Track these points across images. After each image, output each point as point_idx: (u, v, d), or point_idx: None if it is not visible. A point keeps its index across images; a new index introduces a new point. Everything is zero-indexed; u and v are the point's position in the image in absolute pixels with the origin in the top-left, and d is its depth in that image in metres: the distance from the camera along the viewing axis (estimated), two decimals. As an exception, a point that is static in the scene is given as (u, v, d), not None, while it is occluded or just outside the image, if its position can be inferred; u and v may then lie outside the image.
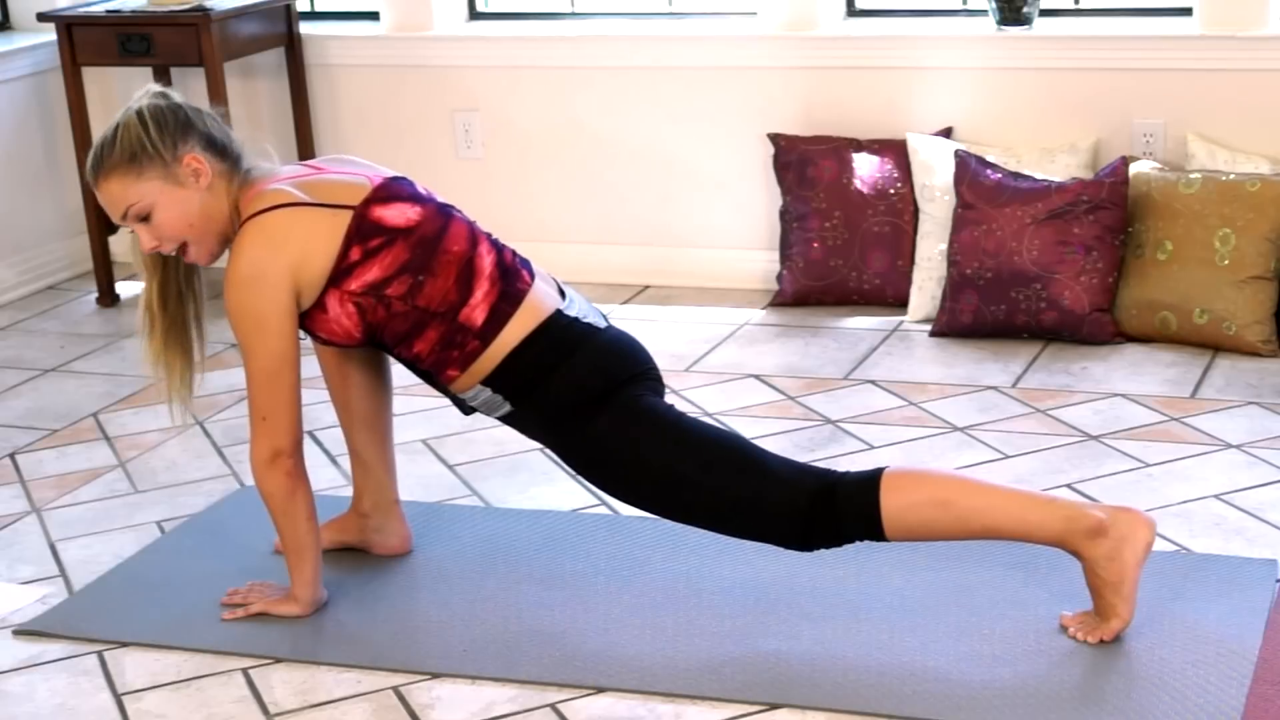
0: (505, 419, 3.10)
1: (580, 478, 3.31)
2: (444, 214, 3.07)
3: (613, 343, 3.07)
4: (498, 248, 3.08)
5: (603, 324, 3.10)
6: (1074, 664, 2.83)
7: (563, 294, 3.11)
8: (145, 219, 2.99)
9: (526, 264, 3.10)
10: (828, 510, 2.91)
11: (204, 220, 3.01)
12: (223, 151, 3.03)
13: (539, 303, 3.04)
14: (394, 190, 3.05)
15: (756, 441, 3.83)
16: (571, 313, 3.05)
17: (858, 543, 2.96)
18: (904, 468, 2.97)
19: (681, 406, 4.08)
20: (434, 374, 3.07)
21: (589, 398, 3.00)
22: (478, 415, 3.14)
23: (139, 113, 2.98)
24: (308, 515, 3.07)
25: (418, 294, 3.00)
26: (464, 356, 3.02)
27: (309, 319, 3.03)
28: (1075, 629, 2.91)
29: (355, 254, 2.98)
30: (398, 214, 3.02)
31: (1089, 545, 2.85)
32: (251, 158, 3.08)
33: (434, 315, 3.00)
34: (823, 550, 2.99)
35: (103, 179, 2.98)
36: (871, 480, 2.91)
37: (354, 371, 3.27)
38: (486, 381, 3.03)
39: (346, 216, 2.99)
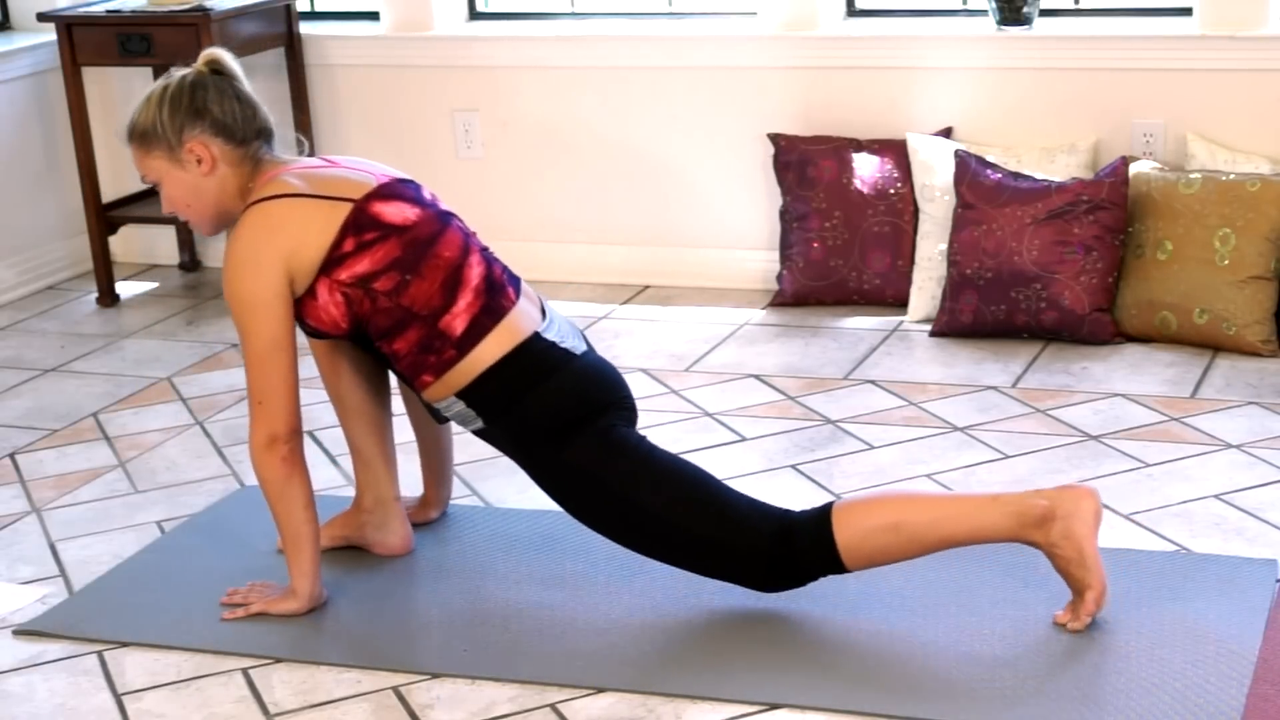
0: (478, 434, 3.14)
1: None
2: (442, 220, 3.11)
3: (588, 369, 3.11)
4: (488, 261, 3.12)
5: (580, 349, 3.12)
6: (1074, 664, 2.83)
7: (544, 314, 3.13)
8: (158, 186, 3.15)
9: (515, 281, 3.14)
10: (786, 551, 2.96)
11: (201, 201, 3.12)
12: (238, 139, 3.09)
13: (518, 323, 3.07)
14: (398, 190, 3.10)
15: (756, 443, 3.85)
16: (550, 336, 3.09)
17: (821, 579, 3.01)
18: (852, 499, 3.02)
19: (681, 406, 4.09)
20: (410, 378, 3.10)
21: (561, 424, 3.03)
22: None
23: (163, 90, 3.10)
24: (304, 504, 3.08)
25: (403, 292, 3.02)
26: (440, 364, 3.05)
27: (301, 305, 3.07)
28: (1066, 620, 2.93)
29: (349, 245, 3.02)
30: (396, 212, 3.06)
31: (1041, 533, 2.89)
32: (273, 145, 3.15)
33: (416, 316, 3.03)
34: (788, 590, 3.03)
35: (129, 144, 3.13)
36: (823, 516, 2.95)
37: (344, 364, 3.29)
38: (461, 395, 3.06)
39: (346, 209, 3.04)
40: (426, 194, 3.15)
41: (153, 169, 3.11)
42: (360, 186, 3.08)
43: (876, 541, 2.92)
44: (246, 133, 3.10)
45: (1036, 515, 2.89)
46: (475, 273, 3.07)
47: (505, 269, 3.14)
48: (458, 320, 3.04)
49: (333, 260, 3.02)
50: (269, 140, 3.14)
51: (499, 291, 3.08)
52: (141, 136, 3.10)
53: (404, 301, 3.03)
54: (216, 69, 3.12)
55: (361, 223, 3.03)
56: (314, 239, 3.02)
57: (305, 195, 3.04)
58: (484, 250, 3.14)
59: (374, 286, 3.02)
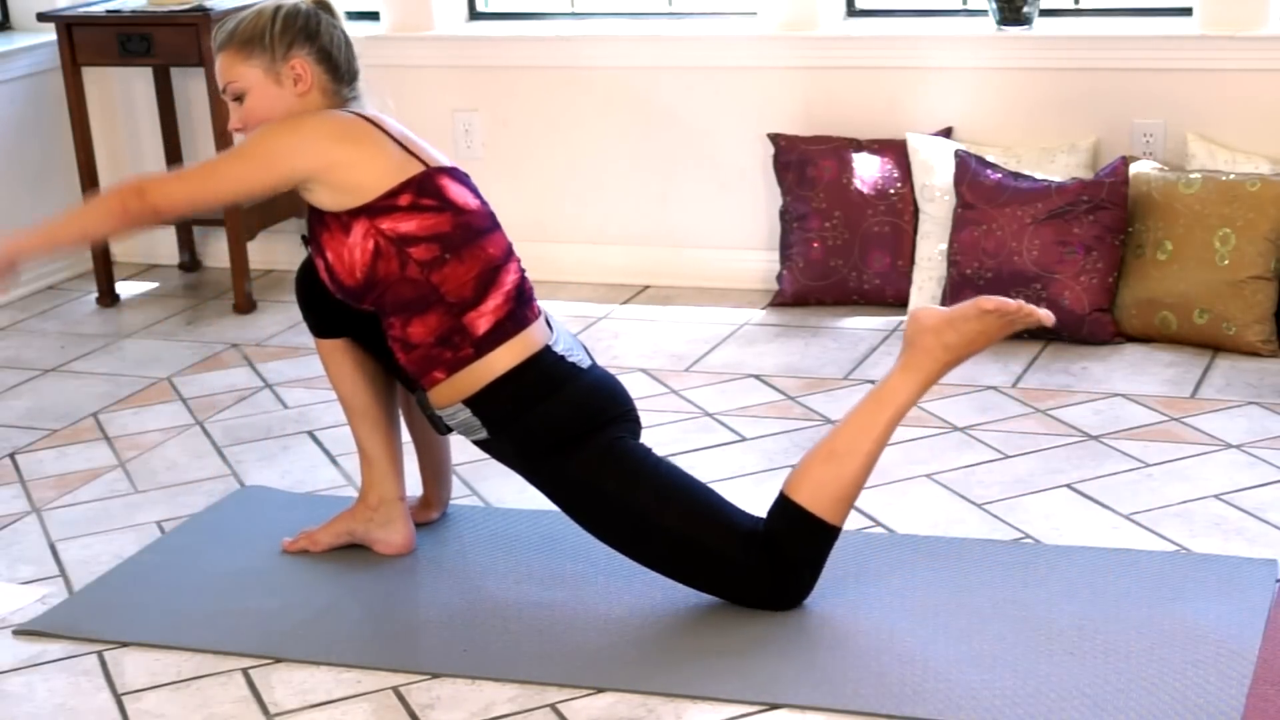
0: (480, 444, 3.15)
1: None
2: (494, 221, 3.16)
3: (594, 384, 3.12)
4: (523, 273, 3.15)
5: (586, 363, 3.14)
6: (1074, 664, 2.83)
7: (550, 328, 3.15)
8: (239, 99, 3.13)
9: (534, 297, 3.16)
10: (772, 550, 2.98)
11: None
12: (337, 72, 3.16)
13: (533, 336, 3.09)
14: (465, 180, 3.15)
15: (756, 443, 3.85)
16: (558, 349, 3.10)
17: (826, 566, 3.03)
18: (789, 473, 3.05)
19: (681, 406, 4.09)
20: (418, 374, 3.09)
21: (566, 437, 3.05)
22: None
23: (276, 8, 3.14)
24: (85, 228, 3.17)
25: (437, 269, 3.03)
26: (455, 361, 3.05)
27: (327, 231, 3.07)
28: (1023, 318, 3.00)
29: (405, 199, 3.03)
30: (459, 194, 3.10)
31: (938, 359, 2.99)
32: (364, 94, 3.20)
33: (441, 300, 3.03)
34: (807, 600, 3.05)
35: (221, 50, 3.15)
36: (780, 499, 3.01)
37: (350, 365, 3.29)
38: (468, 402, 3.06)
39: (417, 167, 3.07)
40: (486, 199, 3.20)
41: (243, 77, 3.11)
42: (435, 159, 3.12)
43: (829, 477, 2.97)
44: (347, 71, 3.17)
45: (920, 356, 2.98)
46: (510, 279, 3.10)
47: (531, 287, 3.17)
48: (483, 320, 3.05)
49: (382, 207, 3.02)
50: (353, 91, 3.18)
51: (526, 303, 3.11)
52: (245, 42, 3.10)
53: (434, 279, 3.03)
54: (325, 8, 3.19)
55: (426, 187, 3.05)
56: (373, 173, 3.03)
57: (387, 133, 3.07)
58: (520, 263, 3.17)
59: (410, 251, 3.03)
